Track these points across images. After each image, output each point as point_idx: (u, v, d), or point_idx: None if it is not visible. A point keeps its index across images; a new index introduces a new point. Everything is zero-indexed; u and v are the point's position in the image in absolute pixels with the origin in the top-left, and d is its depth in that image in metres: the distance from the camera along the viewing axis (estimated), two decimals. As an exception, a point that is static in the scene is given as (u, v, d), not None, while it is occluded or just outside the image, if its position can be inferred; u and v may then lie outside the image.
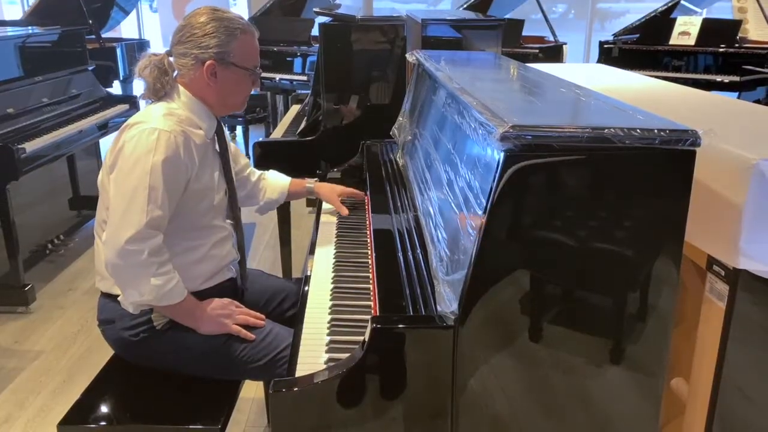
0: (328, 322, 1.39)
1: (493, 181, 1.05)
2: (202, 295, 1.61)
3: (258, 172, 1.99)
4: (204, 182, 1.59)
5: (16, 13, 6.79)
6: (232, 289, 1.72)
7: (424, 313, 1.22)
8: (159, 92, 1.58)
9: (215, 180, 1.63)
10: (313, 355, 1.27)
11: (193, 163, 1.53)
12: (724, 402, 1.26)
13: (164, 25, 7.32)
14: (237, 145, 6.03)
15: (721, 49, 5.06)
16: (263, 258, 3.63)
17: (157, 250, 1.45)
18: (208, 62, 1.55)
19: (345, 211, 1.97)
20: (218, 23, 1.55)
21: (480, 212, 1.08)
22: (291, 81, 5.14)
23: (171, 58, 1.59)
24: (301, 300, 1.51)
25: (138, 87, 6.84)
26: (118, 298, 1.55)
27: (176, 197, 1.51)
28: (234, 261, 1.74)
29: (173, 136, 1.48)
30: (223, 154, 1.68)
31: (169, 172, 1.46)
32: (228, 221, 1.71)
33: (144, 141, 1.46)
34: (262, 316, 1.62)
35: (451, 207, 1.31)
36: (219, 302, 1.59)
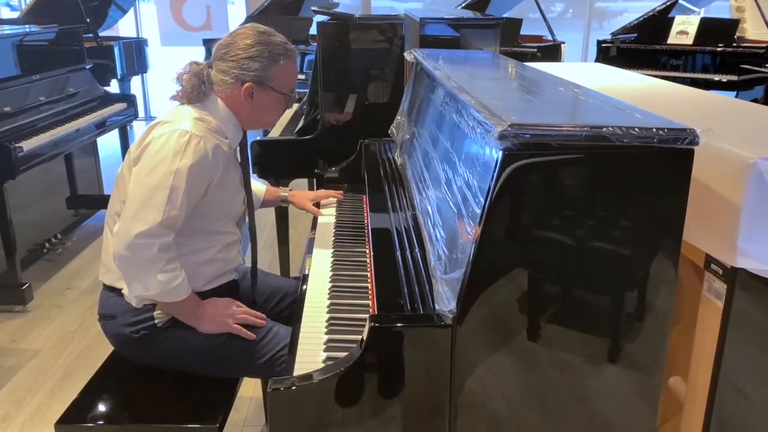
0: (327, 321, 1.39)
1: (492, 179, 1.05)
2: (203, 296, 1.61)
3: None
4: (224, 190, 1.60)
5: (13, 11, 6.77)
6: (232, 291, 1.72)
7: (422, 311, 1.22)
8: (193, 99, 1.59)
9: (235, 188, 1.66)
10: (312, 354, 1.27)
11: (217, 170, 1.55)
12: (722, 401, 1.26)
13: (162, 23, 7.30)
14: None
15: (719, 49, 5.07)
16: (261, 257, 3.60)
17: (167, 247, 1.46)
18: (247, 84, 1.57)
19: (319, 213, 2.01)
20: (263, 47, 1.57)
21: (478, 211, 1.08)
22: (289, 80, 5.13)
23: (211, 70, 1.60)
24: (299, 299, 1.51)
25: (135, 86, 6.83)
26: (122, 291, 1.56)
27: (195, 201, 1.52)
28: (239, 266, 1.76)
29: (203, 141, 1.49)
30: (245, 165, 1.71)
31: (193, 177, 1.47)
32: (236, 228, 1.73)
33: (174, 142, 1.46)
34: (263, 316, 1.62)
35: (449, 206, 1.31)
36: (221, 302, 1.60)
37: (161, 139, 1.48)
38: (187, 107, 1.58)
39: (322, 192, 2.11)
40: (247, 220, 1.78)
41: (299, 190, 2.12)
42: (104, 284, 1.64)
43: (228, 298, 1.62)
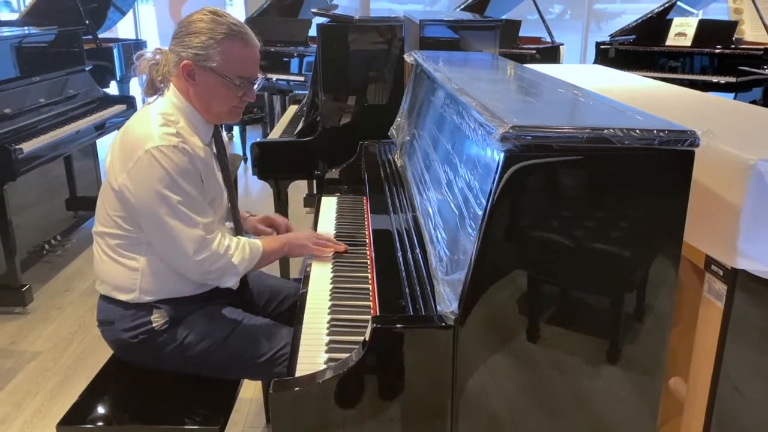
0: (328, 322, 1.39)
1: (493, 181, 1.06)
2: (198, 299, 1.60)
3: None
4: (209, 192, 1.58)
5: (12, 13, 6.77)
6: (228, 292, 1.71)
7: (423, 313, 1.22)
8: (152, 88, 1.57)
9: (218, 188, 1.64)
10: (313, 355, 1.28)
11: (199, 174, 1.52)
12: (722, 401, 1.26)
13: (161, 24, 7.31)
14: (234, 145, 6.07)
15: (717, 50, 5.08)
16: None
17: (218, 239, 1.51)
18: (185, 62, 1.50)
19: (269, 231, 1.87)
20: (204, 24, 1.49)
21: (480, 212, 1.09)
22: (288, 81, 5.14)
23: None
24: (300, 300, 1.51)
25: (135, 88, 6.83)
26: (119, 298, 1.56)
27: (205, 196, 1.53)
28: None
29: (178, 148, 1.45)
30: (222, 159, 1.67)
31: (187, 179, 1.46)
32: (228, 224, 1.71)
33: (155, 164, 1.43)
34: (344, 247, 1.72)
35: (450, 207, 1.31)
36: (300, 234, 1.75)
37: (140, 166, 1.43)
38: (149, 114, 1.52)
39: (265, 217, 1.93)
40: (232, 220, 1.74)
41: (251, 216, 1.94)
42: (100, 294, 1.64)
43: (308, 230, 1.77)
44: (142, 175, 1.44)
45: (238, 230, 1.74)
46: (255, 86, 1.58)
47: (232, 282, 1.57)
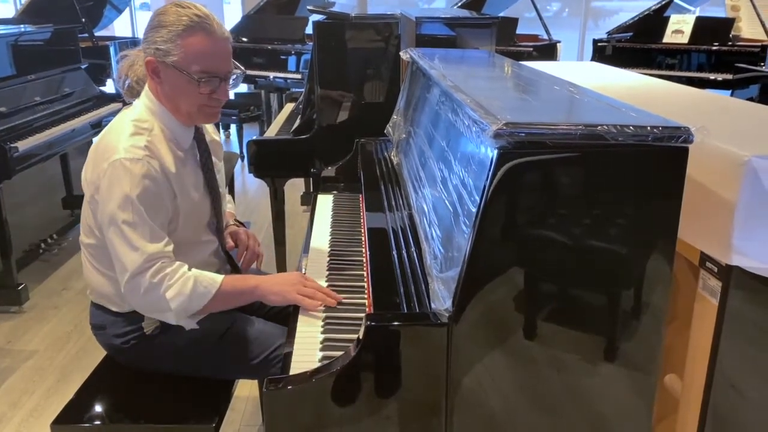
0: (323, 320, 1.38)
1: (487, 178, 1.05)
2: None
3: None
4: (187, 202, 1.51)
5: (8, 10, 6.75)
6: None
7: (418, 310, 1.22)
8: (132, 90, 1.53)
9: (199, 195, 1.56)
10: (308, 353, 1.27)
11: (169, 186, 1.45)
12: (717, 398, 1.26)
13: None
14: (231, 143, 6.06)
15: (714, 48, 5.08)
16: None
17: (156, 267, 1.40)
18: (148, 59, 1.43)
19: (232, 245, 1.77)
20: (165, 17, 1.41)
21: (474, 209, 1.08)
22: (285, 79, 5.14)
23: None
24: (295, 298, 1.50)
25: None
26: (110, 308, 1.55)
27: (165, 218, 1.45)
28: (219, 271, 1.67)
29: (142, 161, 1.39)
30: (205, 162, 1.58)
31: (142, 198, 1.39)
32: (213, 236, 1.65)
33: (114, 178, 1.38)
34: (337, 297, 1.44)
35: (445, 204, 1.31)
36: (281, 277, 1.52)
37: (105, 178, 1.39)
38: (122, 122, 1.47)
39: (236, 229, 1.83)
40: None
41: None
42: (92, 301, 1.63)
43: (295, 273, 1.52)
44: (104, 185, 1.40)
45: (220, 242, 1.67)
46: (230, 82, 1.49)
47: (171, 319, 1.43)
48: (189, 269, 1.44)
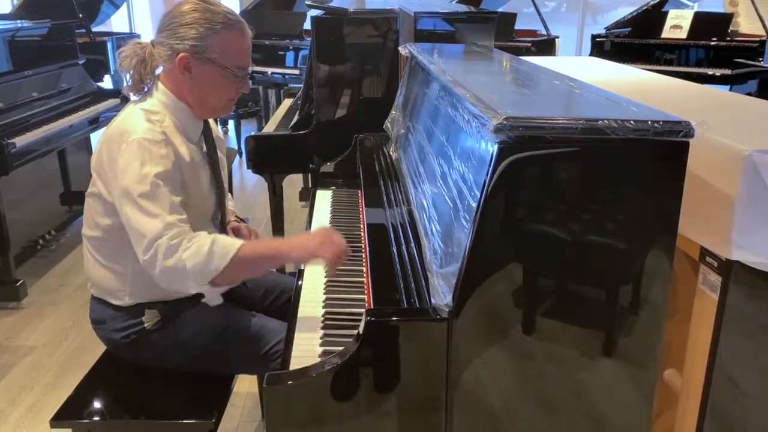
0: (322, 316, 1.38)
1: (487, 173, 1.05)
2: (192, 301, 1.56)
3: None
4: (196, 194, 1.52)
5: (5, 6, 6.72)
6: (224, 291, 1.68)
7: (418, 305, 1.22)
8: (140, 85, 1.51)
9: (205, 188, 1.57)
10: (308, 349, 1.27)
11: (181, 175, 1.46)
12: (717, 393, 1.26)
13: (155, 17, 7.27)
14: (229, 139, 6.05)
15: (712, 43, 5.08)
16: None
17: (173, 232, 1.36)
18: (182, 54, 1.45)
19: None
20: (199, 15, 1.45)
21: (474, 204, 1.08)
22: (283, 75, 5.12)
23: (155, 49, 1.50)
24: (294, 293, 1.50)
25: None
26: (110, 302, 1.55)
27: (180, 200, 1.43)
28: None
29: (163, 145, 1.41)
30: (212, 157, 1.60)
31: (167, 180, 1.40)
32: (215, 228, 1.64)
33: (134, 154, 1.38)
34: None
35: (444, 200, 1.30)
36: (306, 236, 1.49)
37: (123, 156, 1.39)
38: (133, 111, 1.47)
39: (237, 224, 1.82)
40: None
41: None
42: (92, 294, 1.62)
43: (320, 231, 1.49)
44: (121, 162, 1.39)
45: (223, 232, 1.67)
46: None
47: (192, 287, 1.39)
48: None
